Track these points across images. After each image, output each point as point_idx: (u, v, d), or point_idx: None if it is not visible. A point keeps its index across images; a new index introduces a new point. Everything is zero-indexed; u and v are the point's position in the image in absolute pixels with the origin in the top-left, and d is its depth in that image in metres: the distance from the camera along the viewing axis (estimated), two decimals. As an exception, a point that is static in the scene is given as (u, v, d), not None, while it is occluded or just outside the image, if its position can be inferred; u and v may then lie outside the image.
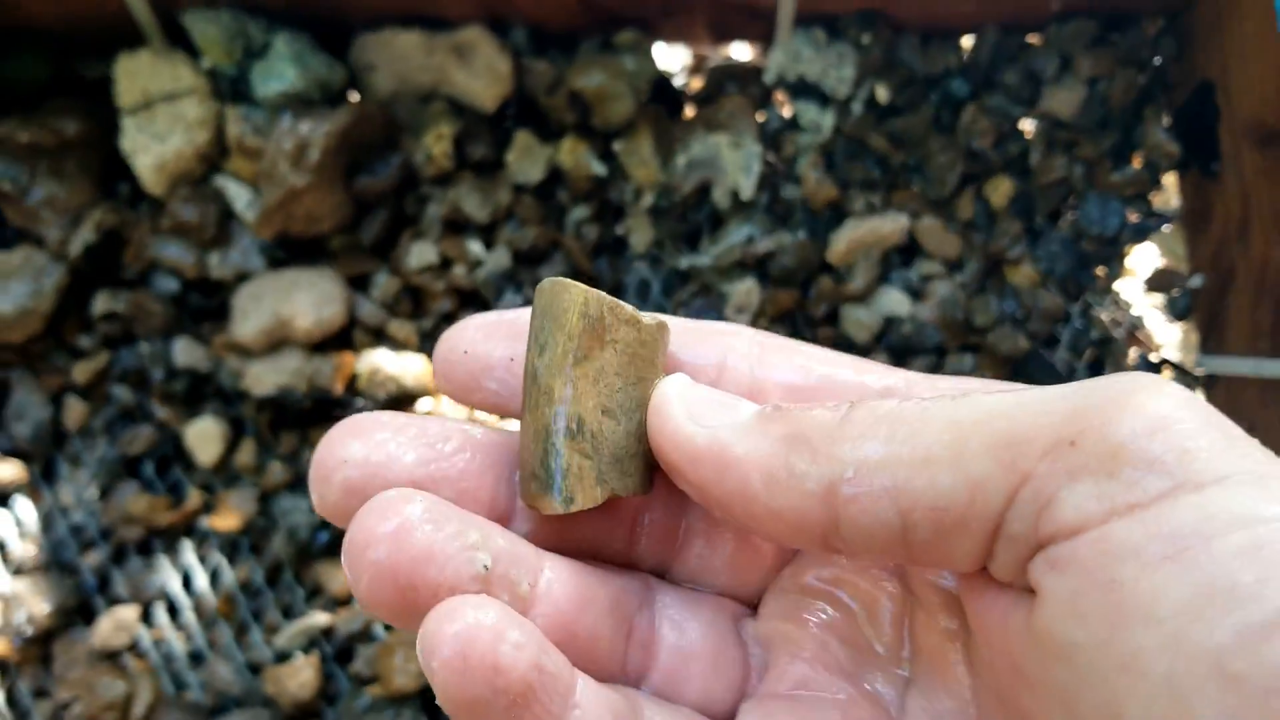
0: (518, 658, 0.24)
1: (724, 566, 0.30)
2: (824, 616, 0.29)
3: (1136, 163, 1.04)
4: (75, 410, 1.01)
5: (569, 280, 0.28)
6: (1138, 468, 0.20)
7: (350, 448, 0.27)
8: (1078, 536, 0.21)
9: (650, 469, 0.29)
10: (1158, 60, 1.02)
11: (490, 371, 0.30)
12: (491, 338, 0.30)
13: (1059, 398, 0.22)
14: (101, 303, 0.98)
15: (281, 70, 0.91)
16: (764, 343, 0.30)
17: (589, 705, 0.25)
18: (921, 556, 0.24)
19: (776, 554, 0.31)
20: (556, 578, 0.27)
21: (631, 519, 0.30)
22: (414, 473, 0.27)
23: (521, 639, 0.24)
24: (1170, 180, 1.05)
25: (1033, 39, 1.04)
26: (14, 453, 1.01)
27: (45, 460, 1.02)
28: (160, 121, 0.93)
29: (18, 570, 0.99)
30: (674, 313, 1.01)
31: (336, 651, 0.96)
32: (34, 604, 0.96)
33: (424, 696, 0.93)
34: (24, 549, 1.00)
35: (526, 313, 0.30)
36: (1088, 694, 0.21)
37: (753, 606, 0.31)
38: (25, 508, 1.01)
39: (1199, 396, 0.21)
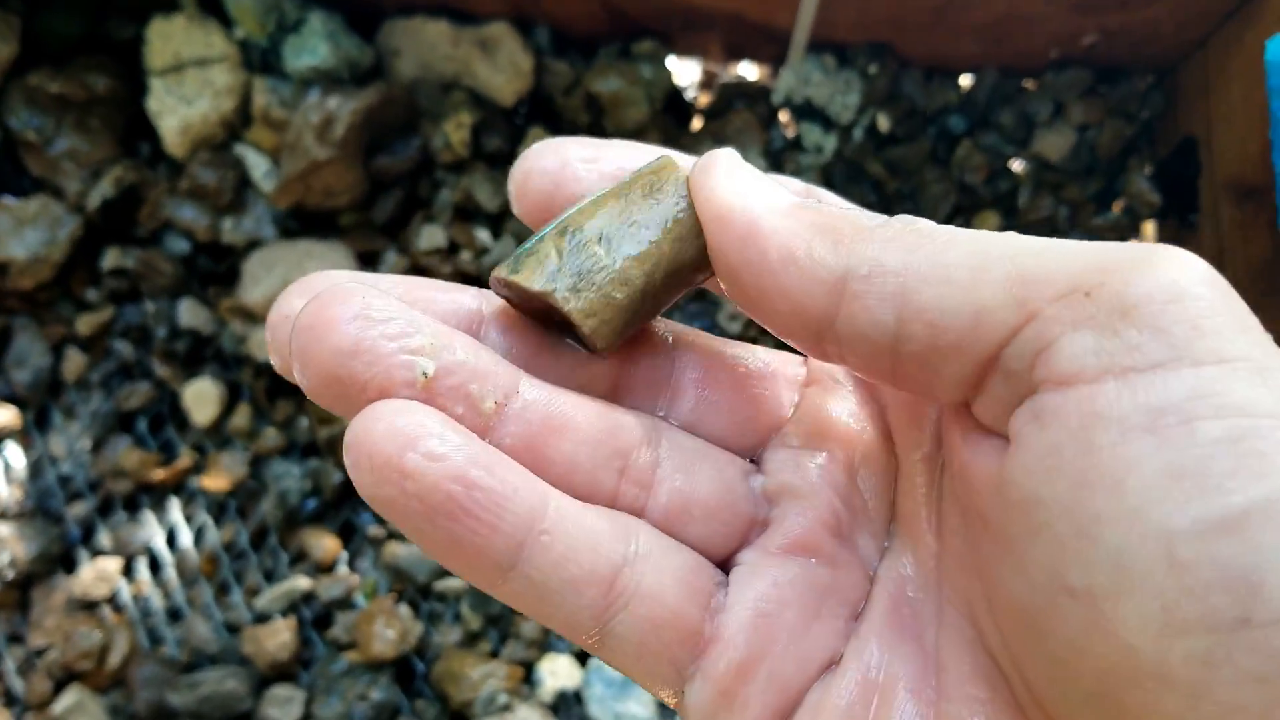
0: (430, 468, 0.23)
1: (723, 416, 0.29)
2: (826, 473, 0.28)
3: (1118, 209, 1.09)
4: (75, 361, 1.02)
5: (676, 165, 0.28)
6: (1143, 331, 0.20)
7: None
8: (1067, 389, 0.21)
9: (615, 328, 0.27)
10: (1145, 114, 1.08)
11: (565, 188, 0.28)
12: (579, 161, 0.29)
13: (1090, 250, 0.22)
14: (112, 258, 1.00)
15: (315, 46, 0.94)
16: None
17: (562, 534, 0.25)
18: (906, 374, 0.24)
19: (776, 406, 0.30)
20: (535, 400, 0.26)
21: (615, 369, 0.29)
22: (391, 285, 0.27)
23: (440, 449, 0.23)
24: (1149, 228, 1.11)
25: (1029, 84, 1.10)
26: (10, 398, 1.02)
27: (40, 408, 1.03)
28: (189, 85, 0.96)
29: (2, 515, 1.00)
30: (668, 316, 1.05)
31: (315, 617, 0.98)
32: (16, 548, 0.97)
33: (399, 665, 0.95)
34: (10, 494, 1.01)
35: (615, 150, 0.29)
36: (1039, 550, 0.21)
37: (753, 461, 0.30)
38: (15, 453, 1.02)
39: (1223, 279, 0.21)
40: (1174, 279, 0.20)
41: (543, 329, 0.29)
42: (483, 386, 0.25)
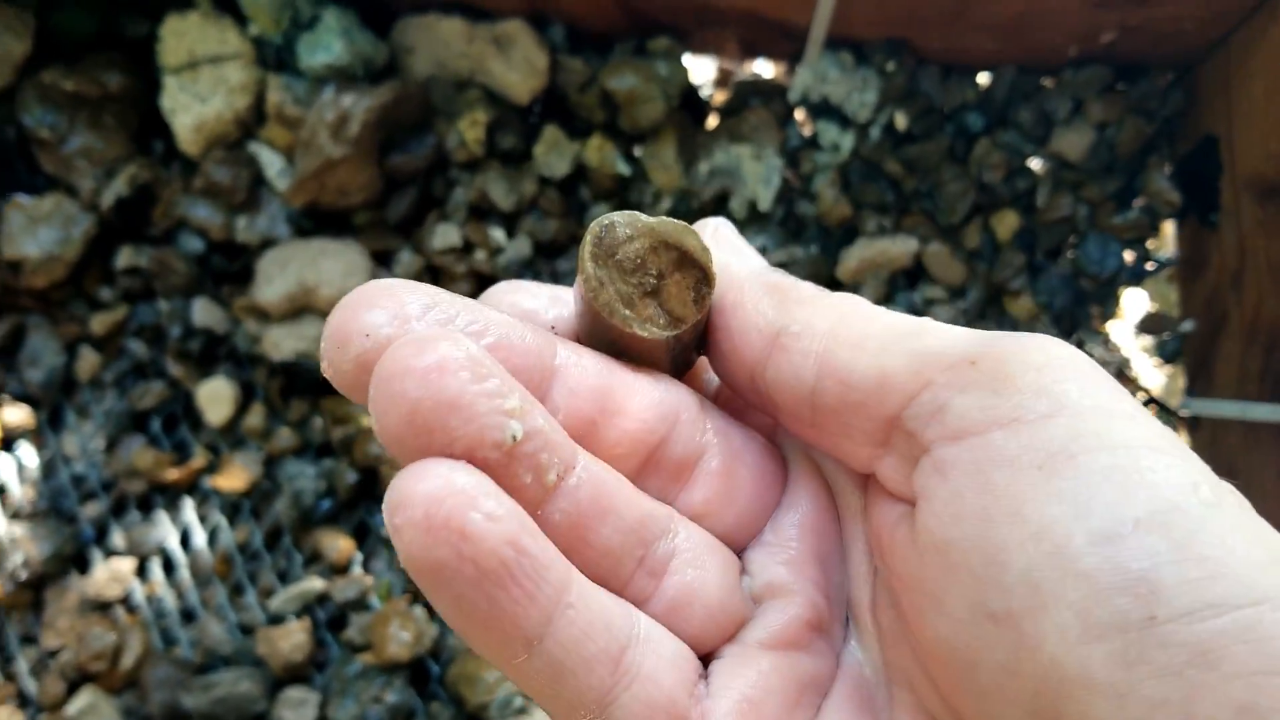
0: (490, 529, 0.22)
1: (731, 513, 0.30)
2: (806, 571, 0.30)
3: (1138, 207, 1.08)
4: (88, 361, 1.02)
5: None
6: (1024, 391, 0.23)
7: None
8: (960, 442, 0.23)
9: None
10: (1165, 112, 1.07)
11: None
12: (535, 297, 0.31)
13: (984, 334, 0.25)
14: (125, 257, 1.00)
15: (329, 43, 0.93)
16: None
17: (584, 609, 0.25)
18: (823, 427, 0.27)
19: (772, 504, 0.31)
20: (587, 480, 0.26)
21: (654, 446, 0.29)
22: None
23: (498, 511, 0.22)
24: (1168, 227, 1.10)
25: (1047, 81, 1.09)
26: (24, 398, 1.02)
27: (53, 408, 1.03)
28: (203, 83, 0.95)
29: (15, 514, 1.00)
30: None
31: (330, 618, 0.97)
32: (29, 549, 0.97)
33: (414, 667, 0.94)
34: (24, 494, 1.00)
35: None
36: (958, 587, 0.23)
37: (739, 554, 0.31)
38: (28, 453, 1.02)
39: (1093, 361, 0.24)
40: (1047, 351, 0.23)
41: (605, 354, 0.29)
42: (550, 457, 0.25)
